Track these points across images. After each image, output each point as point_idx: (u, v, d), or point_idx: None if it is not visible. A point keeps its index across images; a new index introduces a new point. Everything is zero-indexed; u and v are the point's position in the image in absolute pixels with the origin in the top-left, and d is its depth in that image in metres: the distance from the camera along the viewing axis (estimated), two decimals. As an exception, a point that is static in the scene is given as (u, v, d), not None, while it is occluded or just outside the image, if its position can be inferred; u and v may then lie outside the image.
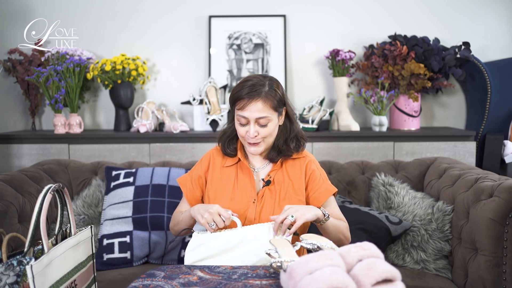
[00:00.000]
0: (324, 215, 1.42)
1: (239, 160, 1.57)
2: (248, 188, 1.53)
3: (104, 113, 2.80)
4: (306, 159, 1.58)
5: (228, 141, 1.58)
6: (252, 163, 1.59)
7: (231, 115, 1.57)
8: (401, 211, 1.99)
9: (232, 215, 1.42)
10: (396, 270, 0.96)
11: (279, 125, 1.54)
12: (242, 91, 1.46)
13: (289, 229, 1.34)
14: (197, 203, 1.56)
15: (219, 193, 1.55)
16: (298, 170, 1.55)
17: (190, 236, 1.67)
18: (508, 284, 1.57)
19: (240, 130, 1.49)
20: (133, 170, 2.13)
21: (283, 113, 1.54)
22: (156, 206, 1.99)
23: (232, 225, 1.44)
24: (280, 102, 1.49)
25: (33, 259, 1.13)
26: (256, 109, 1.44)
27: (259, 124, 1.47)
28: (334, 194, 1.58)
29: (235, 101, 1.48)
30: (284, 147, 1.54)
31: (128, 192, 2.04)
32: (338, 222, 1.49)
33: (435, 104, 2.86)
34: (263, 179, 1.55)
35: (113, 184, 2.09)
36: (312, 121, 2.54)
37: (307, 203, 1.55)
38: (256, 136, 1.47)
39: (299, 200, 1.52)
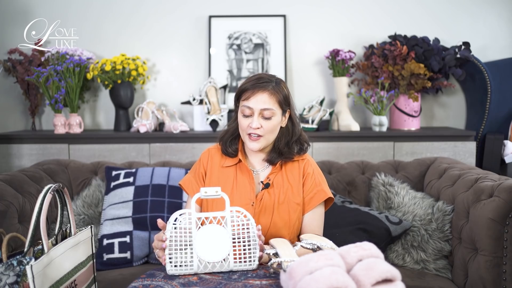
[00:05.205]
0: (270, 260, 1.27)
1: (239, 161, 1.54)
2: (247, 191, 1.50)
3: (104, 113, 2.80)
4: (305, 161, 1.55)
5: (230, 141, 1.55)
6: (252, 164, 1.56)
7: (234, 113, 1.55)
8: (401, 211, 1.99)
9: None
10: (396, 270, 0.96)
11: (282, 127, 1.51)
12: (249, 83, 1.46)
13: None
14: None
15: None
16: (297, 173, 1.53)
17: None
18: (508, 284, 1.57)
19: (243, 122, 1.46)
20: (133, 170, 2.13)
21: (287, 115, 1.52)
22: (156, 206, 1.99)
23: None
24: (285, 100, 1.48)
25: (33, 259, 1.13)
26: (262, 100, 1.43)
27: (263, 116, 1.44)
28: (330, 203, 1.56)
29: (241, 93, 1.47)
30: (286, 149, 1.51)
31: (128, 192, 2.04)
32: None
33: (435, 104, 2.86)
34: (262, 182, 1.52)
35: (113, 184, 2.09)
36: (312, 121, 2.54)
37: (303, 206, 1.53)
38: (258, 128, 1.44)
39: (297, 204, 1.50)
